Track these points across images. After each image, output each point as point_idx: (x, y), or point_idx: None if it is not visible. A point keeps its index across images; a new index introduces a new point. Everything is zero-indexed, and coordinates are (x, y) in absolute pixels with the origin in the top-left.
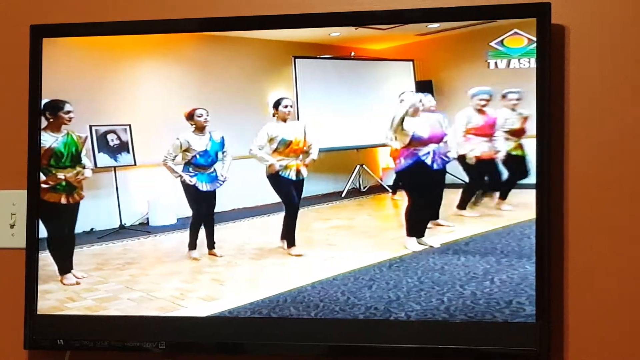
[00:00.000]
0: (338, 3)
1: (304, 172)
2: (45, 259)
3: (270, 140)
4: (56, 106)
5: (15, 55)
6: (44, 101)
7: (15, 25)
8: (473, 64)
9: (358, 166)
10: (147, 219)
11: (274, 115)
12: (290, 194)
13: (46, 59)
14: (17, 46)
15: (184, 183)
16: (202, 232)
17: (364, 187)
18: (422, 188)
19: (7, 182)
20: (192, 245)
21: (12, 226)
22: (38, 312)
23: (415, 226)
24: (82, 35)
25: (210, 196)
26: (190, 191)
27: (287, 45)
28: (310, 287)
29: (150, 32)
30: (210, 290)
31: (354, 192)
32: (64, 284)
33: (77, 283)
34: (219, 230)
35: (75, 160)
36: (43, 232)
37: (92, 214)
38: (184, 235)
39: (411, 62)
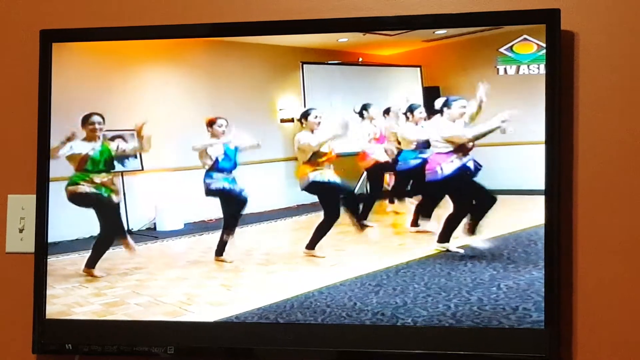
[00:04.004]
0: (346, 9)
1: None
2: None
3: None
4: (87, 119)
5: (25, 60)
6: (94, 110)
7: (25, 30)
8: (482, 70)
9: (366, 172)
10: (155, 223)
11: (301, 125)
12: (335, 199)
13: (56, 64)
14: (27, 51)
15: (211, 190)
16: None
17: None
18: (466, 194)
19: (16, 186)
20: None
21: (21, 230)
22: (46, 317)
23: (450, 233)
24: (91, 40)
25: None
26: (225, 196)
27: (295, 51)
28: (317, 292)
29: (159, 37)
30: (218, 296)
31: (362, 198)
32: (94, 275)
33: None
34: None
35: (109, 165)
36: (52, 237)
37: None
38: (192, 240)
39: (419, 68)
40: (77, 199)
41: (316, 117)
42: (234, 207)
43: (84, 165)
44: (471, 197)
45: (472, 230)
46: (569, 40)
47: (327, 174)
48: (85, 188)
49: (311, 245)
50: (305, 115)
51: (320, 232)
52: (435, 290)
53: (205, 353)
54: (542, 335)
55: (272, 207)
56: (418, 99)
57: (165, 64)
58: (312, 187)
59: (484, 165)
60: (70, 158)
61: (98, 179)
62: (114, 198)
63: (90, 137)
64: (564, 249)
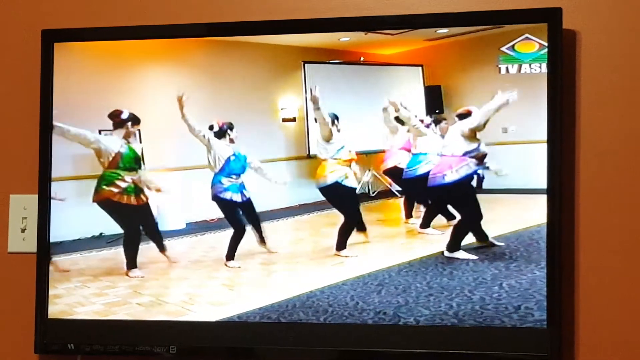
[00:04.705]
0: (347, 8)
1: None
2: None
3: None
4: (136, 118)
5: (26, 60)
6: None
7: (27, 30)
8: (483, 69)
9: (367, 171)
10: (157, 223)
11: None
12: (355, 204)
13: (57, 64)
14: (29, 51)
15: (219, 200)
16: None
17: (374, 192)
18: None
19: (18, 186)
20: (231, 257)
21: (23, 230)
22: (48, 317)
23: (460, 240)
24: (93, 40)
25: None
26: (227, 206)
27: (296, 50)
28: (319, 292)
29: (160, 37)
30: (220, 295)
31: (364, 197)
32: (130, 277)
33: (142, 277)
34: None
35: (137, 163)
36: (53, 237)
37: (101, 219)
38: (193, 240)
39: (420, 68)
40: (111, 206)
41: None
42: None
43: (116, 164)
44: (473, 205)
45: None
46: (571, 39)
47: (351, 179)
48: (126, 198)
49: (340, 247)
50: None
51: (346, 233)
52: (437, 289)
53: (207, 353)
54: (544, 335)
55: (274, 206)
56: (419, 98)
57: (166, 64)
58: (332, 188)
59: (486, 163)
60: (100, 154)
61: (129, 177)
62: (143, 197)
63: (128, 135)
64: (565, 247)
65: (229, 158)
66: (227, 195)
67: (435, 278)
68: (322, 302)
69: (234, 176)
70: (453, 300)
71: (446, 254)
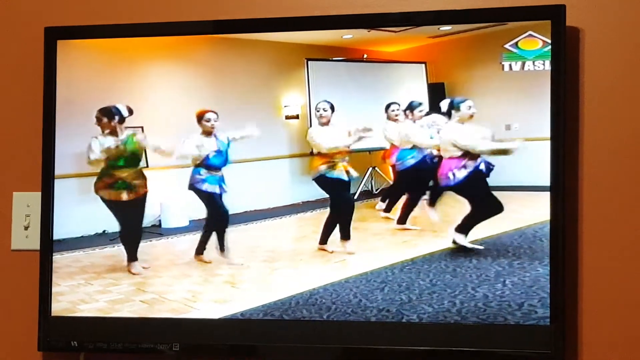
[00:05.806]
0: (350, 5)
1: (353, 172)
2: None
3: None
4: (110, 112)
5: (30, 58)
6: (99, 107)
7: (30, 28)
8: (487, 66)
9: (370, 168)
10: (160, 221)
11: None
12: (344, 193)
13: (60, 61)
14: (32, 48)
15: (196, 189)
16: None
17: (376, 189)
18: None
19: (21, 184)
20: (201, 250)
21: (26, 228)
22: (52, 314)
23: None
24: (96, 38)
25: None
26: (205, 196)
27: (299, 48)
28: (323, 289)
29: (164, 34)
30: (223, 293)
31: (366, 194)
32: (132, 272)
33: (145, 268)
34: (231, 232)
35: (133, 162)
36: (57, 234)
37: (104, 216)
38: (197, 237)
39: (423, 65)
40: (105, 201)
41: (325, 110)
42: (214, 214)
43: (107, 162)
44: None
45: (464, 229)
46: (574, 36)
47: (338, 171)
48: (115, 195)
49: (322, 240)
50: (316, 109)
51: (327, 228)
52: (441, 286)
53: (210, 350)
54: (548, 332)
55: (277, 204)
56: (423, 95)
57: (169, 62)
58: (320, 180)
59: (489, 161)
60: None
61: (120, 173)
62: (134, 193)
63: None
64: (569, 245)
65: (208, 155)
66: (204, 186)
67: (438, 275)
68: (325, 299)
69: (213, 169)
70: (456, 297)
71: (453, 234)
